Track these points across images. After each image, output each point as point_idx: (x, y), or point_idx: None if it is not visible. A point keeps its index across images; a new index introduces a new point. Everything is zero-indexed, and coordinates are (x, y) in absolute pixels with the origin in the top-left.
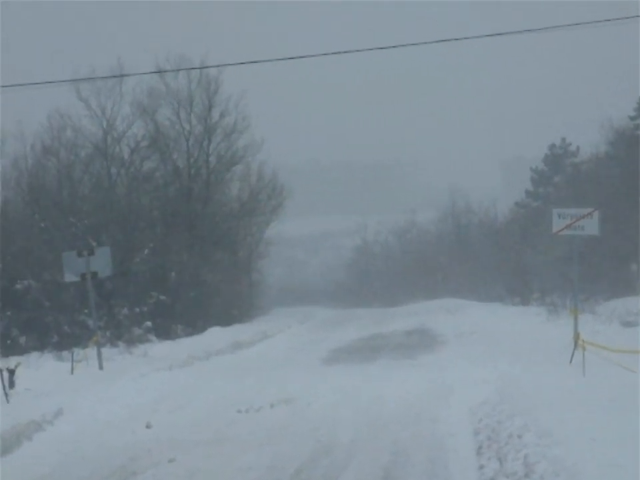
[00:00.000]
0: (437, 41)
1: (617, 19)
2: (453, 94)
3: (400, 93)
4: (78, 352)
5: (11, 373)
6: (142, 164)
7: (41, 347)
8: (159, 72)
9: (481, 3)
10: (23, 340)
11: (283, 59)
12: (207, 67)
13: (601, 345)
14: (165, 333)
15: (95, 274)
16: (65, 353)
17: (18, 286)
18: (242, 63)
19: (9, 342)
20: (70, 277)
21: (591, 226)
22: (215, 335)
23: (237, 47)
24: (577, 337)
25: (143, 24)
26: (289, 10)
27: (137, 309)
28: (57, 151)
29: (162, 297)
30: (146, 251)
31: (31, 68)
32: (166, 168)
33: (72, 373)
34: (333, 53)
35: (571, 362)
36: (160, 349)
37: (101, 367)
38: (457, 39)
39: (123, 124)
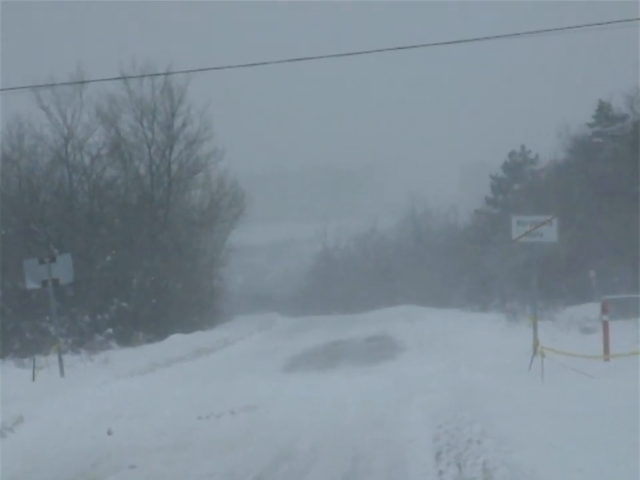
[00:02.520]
0: (394, 48)
1: (575, 27)
2: (414, 101)
3: (361, 99)
4: (39, 359)
5: None
6: (103, 171)
7: (2, 353)
8: (123, 78)
9: (447, 4)
10: None
11: (244, 65)
12: (170, 73)
13: (560, 350)
14: (126, 340)
15: (56, 281)
16: (27, 360)
17: None
18: (206, 69)
19: None
20: (31, 284)
21: (550, 233)
22: (176, 342)
23: (201, 56)
24: (535, 343)
25: (106, 32)
26: (256, 15)
27: (99, 316)
28: (17, 159)
29: (123, 304)
30: (108, 258)
31: None
32: (127, 175)
33: (33, 379)
34: (290, 60)
35: (529, 369)
36: (121, 355)
37: (62, 374)
38: (415, 46)
39: (84, 131)
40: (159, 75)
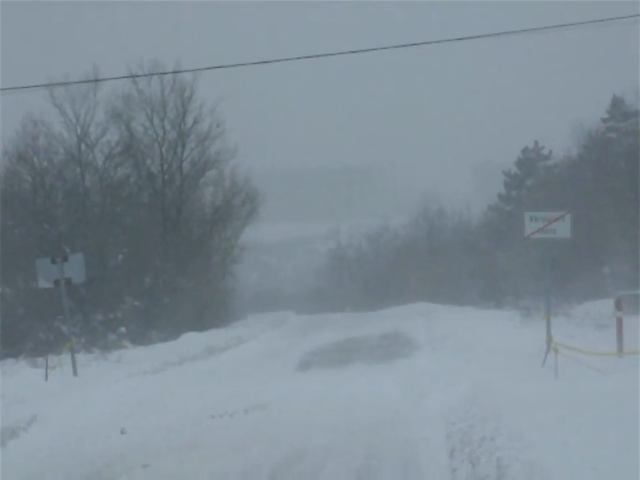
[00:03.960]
0: (404, 45)
1: (587, 22)
2: (425, 99)
3: (373, 98)
4: (52, 358)
5: None
6: (116, 170)
7: (15, 353)
8: (133, 76)
9: (454, 4)
10: None
11: (256, 63)
12: (180, 72)
13: (573, 346)
14: (139, 339)
15: (68, 280)
16: (40, 360)
17: None
18: (215, 67)
19: None
20: (44, 284)
21: (563, 229)
22: (190, 340)
23: (211, 53)
24: (549, 340)
25: (117, 31)
26: (266, 14)
27: (112, 315)
28: (31, 157)
29: (136, 303)
30: (120, 257)
31: (2, 75)
32: (140, 174)
33: (46, 379)
34: (302, 57)
35: (543, 365)
36: (134, 354)
37: (75, 373)
38: (425, 43)
39: (97, 130)
40: (167, 73)
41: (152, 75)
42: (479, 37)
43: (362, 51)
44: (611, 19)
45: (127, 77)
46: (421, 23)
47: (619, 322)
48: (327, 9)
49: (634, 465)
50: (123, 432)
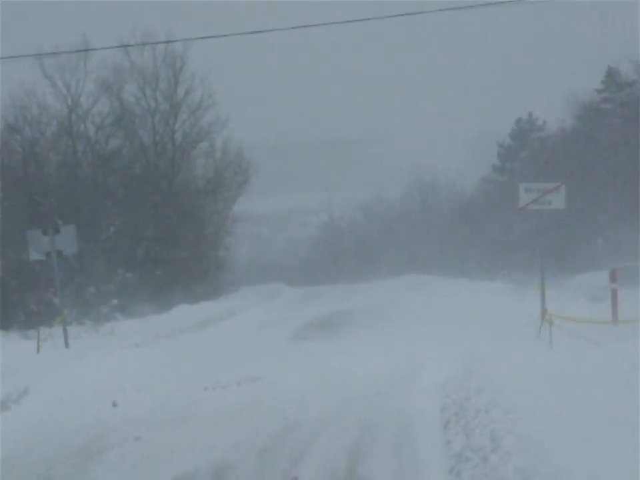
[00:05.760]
0: (397, 15)
1: None
2: (419, 69)
3: (366, 69)
4: (44, 330)
5: None
6: (107, 141)
7: (6, 325)
8: (123, 46)
9: None
10: None
11: (247, 33)
12: (172, 41)
13: (568, 316)
14: (131, 311)
15: (60, 252)
16: (31, 332)
17: None
18: (207, 37)
19: None
20: (35, 256)
21: (558, 200)
22: (182, 313)
23: (203, 22)
24: (543, 311)
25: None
26: None
27: (104, 287)
28: (22, 128)
29: (128, 275)
30: (112, 229)
31: None
32: (131, 145)
33: (38, 351)
34: (294, 27)
35: (538, 337)
36: (126, 326)
37: (67, 346)
38: (418, 13)
39: (88, 101)
40: (159, 42)
41: (143, 44)
42: (471, 6)
43: (353, 20)
44: None
45: (118, 47)
46: None
47: (614, 294)
48: None
49: (628, 438)
50: (114, 404)
